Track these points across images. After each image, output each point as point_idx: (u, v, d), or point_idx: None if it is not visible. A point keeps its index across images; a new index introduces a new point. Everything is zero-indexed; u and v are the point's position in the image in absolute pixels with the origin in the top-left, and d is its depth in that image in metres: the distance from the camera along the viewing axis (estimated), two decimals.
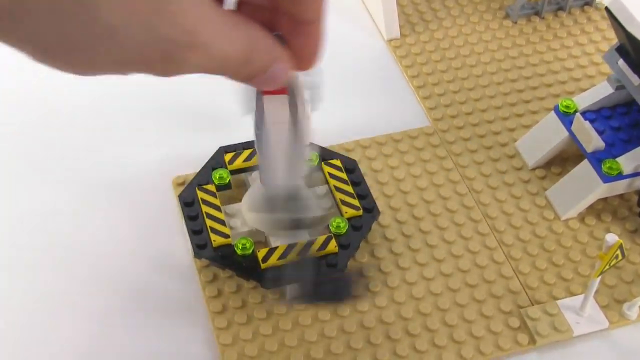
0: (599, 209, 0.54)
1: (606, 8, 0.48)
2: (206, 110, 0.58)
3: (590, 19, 0.66)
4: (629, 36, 0.47)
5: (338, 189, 0.50)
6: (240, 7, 0.35)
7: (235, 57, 0.31)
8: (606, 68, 0.62)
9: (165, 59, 0.29)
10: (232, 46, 0.31)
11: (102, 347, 0.46)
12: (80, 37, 0.27)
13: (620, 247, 0.43)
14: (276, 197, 0.40)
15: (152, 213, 0.52)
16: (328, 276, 0.46)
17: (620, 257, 0.44)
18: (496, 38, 0.64)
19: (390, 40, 0.64)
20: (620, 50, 0.50)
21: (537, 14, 0.66)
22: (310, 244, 0.47)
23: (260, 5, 0.35)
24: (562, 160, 0.56)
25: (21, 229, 0.51)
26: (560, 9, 0.66)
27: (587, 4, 0.67)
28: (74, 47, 0.27)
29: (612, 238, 0.43)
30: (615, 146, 0.52)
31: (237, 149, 0.51)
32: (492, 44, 0.64)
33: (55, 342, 0.46)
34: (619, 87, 0.53)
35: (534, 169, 0.56)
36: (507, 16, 0.66)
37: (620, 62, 0.51)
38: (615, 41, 0.64)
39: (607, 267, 0.44)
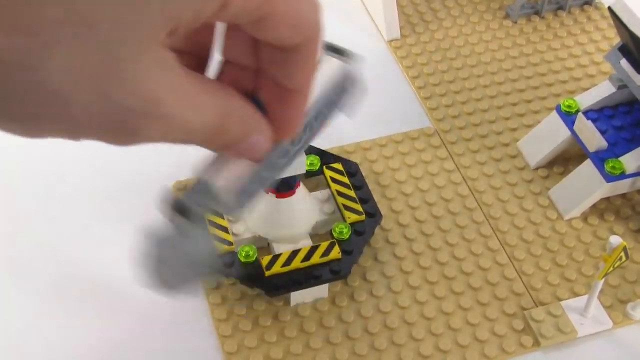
0: (602, 209, 0.53)
1: (609, 8, 0.48)
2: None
3: (590, 18, 0.66)
4: (632, 36, 0.47)
5: (340, 194, 0.50)
6: (224, 68, 0.33)
7: (203, 128, 0.28)
8: (607, 67, 0.62)
9: (120, 129, 0.26)
10: (199, 116, 0.28)
11: (101, 353, 0.46)
12: (24, 102, 0.24)
13: (624, 249, 0.43)
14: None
15: (153, 219, 0.52)
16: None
17: (624, 258, 0.44)
18: (496, 38, 0.64)
19: (390, 41, 0.64)
20: (623, 50, 0.50)
21: (537, 13, 0.66)
22: (313, 249, 0.47)
23: (244, 66, 0.32)
24: (565, 160, 0.56)
25: (20, 234, 0.51)
26: (560, 8, 0.66)
27: (586, 3, 0.66)
28: (18, 113, 0.25)
29: (615, 240, 0.43)
30: (618, 145, 0.52)
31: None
32: (492, 43, 0.64)
33: (55, 344, 0.46)
34: (621, 87, 0.53)
35: (536, 169, 0.56)
36: (507, 16, 0.66)
37: (623, 61, 0.51)
38: (615, 40, 0.64)
39: (611, 269, 0.44)
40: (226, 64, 0.33)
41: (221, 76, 0.34)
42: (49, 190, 0.53)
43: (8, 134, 0.26)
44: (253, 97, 0.34)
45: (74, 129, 0.26)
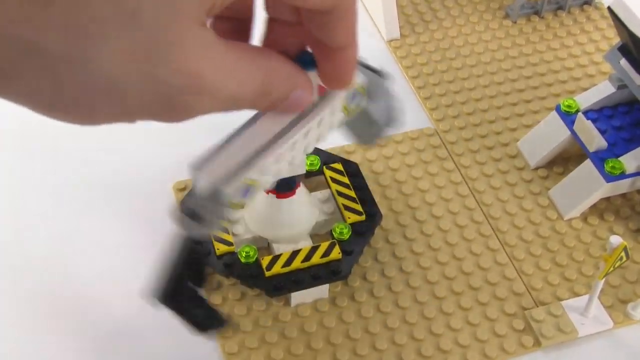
0: (602, 209, 0.53)
1: (609, 8, 0.48)
2: (207, 115, 0.57)
3: (590, 18, 0.66)
4: (632, 35, 0.47)
5: (340, 194, 0.50)
6: (270, 25, 0.35)
7: (248, 95, 0.30)
8: (606, 67, 0.62)
9: (171, 107, 0.28)
10: (242, 87, 0.30)
11: (102, 353, 0.46)
12: (78, 92, 0.26)
13: (625, 249, 0.43)
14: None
15: (153, 219, 0.52)
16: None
17: (624, 258, 0.44)
18: (496, 38, 0.64)
19: (390, 41, 0.64)
20: (623, 50, 0.50)
21: (536, 13, 0.66)
22: (314, 250, 0.47)
23: (290, 23, 0.34)
24: (564, 160, 0.56)
25: (20, 232, 0.51)
26: (560, 8, 0.66)
27: (586, 3, 0.66)
28: (73, 102, 0.27)
29: (616, 240, 0.43)
30: (618, 145, 0.52)
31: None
32: (492, 43, 0.64)
33: (55, 346, 0.46)
34: (621, 87, 0.53)
35: (536, 169, 0.56)
36: (506, 16, 0.66)
37: (623, 61, 0.51)
38: (615, 40, 0.64)
39: (612, 269, 0.44)
40: (272, 21, 0.35)
41: (269, 34, 0.35)
42: (47, 190, 0.53)
43: (65, 122, 0.27)
44: (302, 53, 0.36)
45: (127, 112, 0.28)
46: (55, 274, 0.49)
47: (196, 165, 0.37)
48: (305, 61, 0.38)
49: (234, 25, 0.34)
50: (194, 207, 0.37)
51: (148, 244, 0.50)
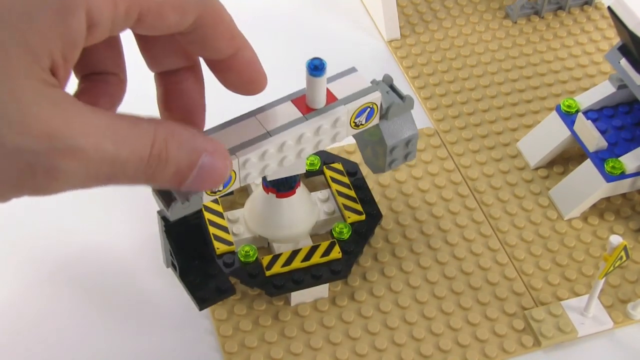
0: (602, 209, 0.53)
1: (609, 7, 0.48)
2: (207, 115, 0.57)
3: (590, 18, 0.66)
4: (632, 35, 0.47)
5: (340, 194, 0.50)
6: (165, 81, 0.35)
7: (132, 161, 0.27)
8: (606, 67, 0.62)
9: (32, 175, 0.25)
10: (122, 148, 0.27)
11: (103, 353, 0.46)
12: None
13: (625, 248, 0.43)
14: None
15: (153, 219, 0.52)
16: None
17: (624, 258, 0.44)
18: (496, 38, 0.64)
19: (390, 41, 0.64)
20: (623, 50, 0.50)
21: (536, 13, 0.66)
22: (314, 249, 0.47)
23: (183, 66, 0.35)
24: (565, 160, 0.56)
25: (20, 229, 0.51)
26: (560, 8, 0.66)
27: (586, 3, 0.66)
28: None
29: (616, 240, 0.43)
30: (618, 145, 0.52)
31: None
32: (492, 44, 0.64)
33: (56, 346, 0.46)
34: (621, 86, 0.53)
35: (536, 169, 0.56)
36: (506, 16, 0.66)
37: (623, 61, 0.51)
38: (615, 40, 0.64)
39: (612, 268, 0.44)
40: (164, 75, 0.35)
41: (169, 86, 0.35)
42: None
43: None
44: (312, 59, 0.38)
45: None
46: (56, 273, 0.49)
47: None
48: (312, 66, 0.39)
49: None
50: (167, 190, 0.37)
51: (149, 243, 0.50)
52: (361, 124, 0.43)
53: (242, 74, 0.35)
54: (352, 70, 0.44)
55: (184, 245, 0.41)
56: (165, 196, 0.37)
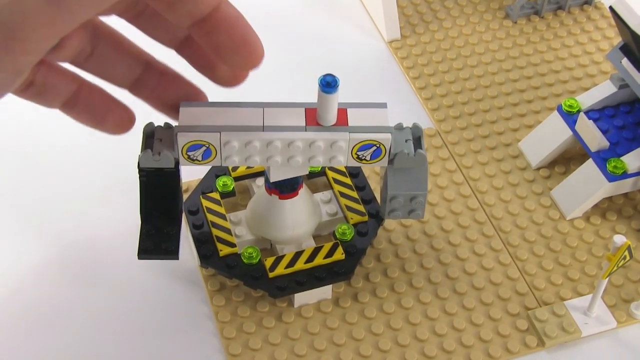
0: (604, 208, 0.53)
1: (610, 7, 0.48)
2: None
3: (590, 17, 0.66)
4: (634, 35, 0.47)
5: (343, 195, 0.50)
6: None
7: None
8: (607, 67, 0.62)
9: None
10: None
11: (106, 355, 0.46)
12: None
13: (628, 248, 0.43)
14: None
15: None
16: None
17: (628, 257, 0.44)
18: (497, 38, 0.64)
19: (391, 42, 0.64)
20: (624, 49, 0.50)
21: (536, 13, 0.66)
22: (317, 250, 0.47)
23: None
24: (566, 160, 0.56)
25: (23, 231, 0.50)
26: (560, 8, 0.66)
27: (586, 2, 0.66)
28: None
29: (620, 239, 0.43)
30: (620, 145, 0.52)
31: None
32: (492, 44, 0.64)
33: (58, 348, 0.46)
34: (623, 86, 0.53)
35: (538, 169, 0.56)
36: (506, 16, 0.66)
37: (624, 61, 0.51)
38: (615, 40, 0.64)
39: (615, 268, 0.44)
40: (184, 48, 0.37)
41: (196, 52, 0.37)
42: (51, 193, 0.53)
43: None
44: (325, 75, 0.39)
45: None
46: (59, 275, 0.49)
47: (185, 104, 0.40)
48: (324, 83, 0.39)
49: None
50: (156, 136, 0.40)
51: None
52: (365, 159, 0.42)
53: (231, 30, 0.33)
54: (382, 105, 0.42)
55: (154, 197, 0.42)
56: (147, 142, 0.40)
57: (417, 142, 0.42)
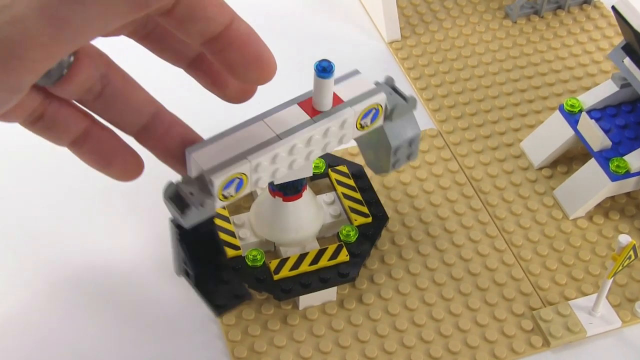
0: (607, 207, 0.53)
1: (613, 7, 0.48)
2: (210, 119, 0.57)
3: (589, 17, 0.66)
4: (636, 34, 0.47)
5: (346, 196, 0.50)
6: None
7: None
8: (607, 66, 0.62)
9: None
10: None
11: (110, 358, 0.46)
12: None
13: (634, 247, 0.43)
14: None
15: (158, 223, 0.51)
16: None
17: (633, 257, 0.44)
18: (497, 38, 0.64)
19: (391, 43, 0.63)
20: (627, 49, 0.50)
21: (536, 13, 0.66)
22: (321, 252, 0.47)
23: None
24: (568, 160, 0.56)
25: (26, 234, 0.50)
26: (559, 7, 0.66)
27: (585, 2, 0.66)
28: None
29: (625, 239, 0.43)
30: (622, 144, 0.52)
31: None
32: (493, 44, 0.64)
33: (62, 349, 0.46)
34: (624, 85, 0.53)
35: (540, 169, 0.56)
36: (506, 16, 0.66)
37: (627, 60, 0.51)
38: (615, 39, 0.64)
39: (621, 267, 0.44)
40: (193, 67, 0.37)
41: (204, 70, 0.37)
42: (53, 195, 0.53)
43: None
44: (320, 61, 0.38)
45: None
46: (61, 278, 0.49)
47: (192, 150, 0.38)
48: (320, 68, 0.39)
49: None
50: (182, 193, 0.38)
51: (155, 248, 0.50)
52: (366, 126, 0.43)
53: (244, 47, 0.33)
54: (356, 72, 0.43)
55: (196, 253, 0.41)
56: (179, 203, 0.37)
57: (396, 91, 0.43)
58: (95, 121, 0.37)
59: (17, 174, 0.54)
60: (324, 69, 0.39)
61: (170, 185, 0.38)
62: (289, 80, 0.61)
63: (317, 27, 0.65)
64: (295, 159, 0.40)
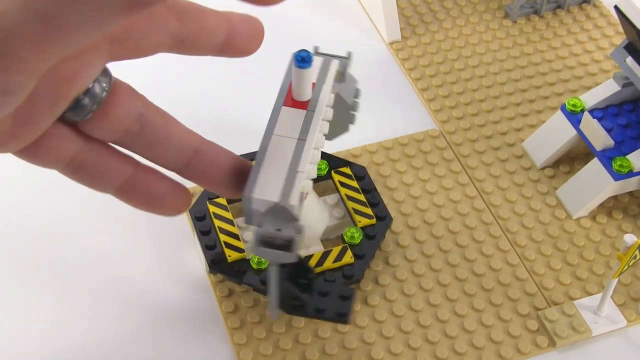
0: (610, 207, 0.53)
1: (616, 7, 0.48)
2: (212, 121, 0.57)
3: (589, 16, 0.66)
4: (639, 34, 0.47)
5: (350, 198, 0.50)
6: None
7: None
8: (607, 65, 0.62)
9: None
10: None
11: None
12: None
13: (639, 247, 0.43)
14: (255, 212, 0.37)
15: (162, 227, 0.51)
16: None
17: (638, 256, 0.44)
18: (497, 38, 0.64)
19: (391, 43, 0.63)
20: (629, 48, 0.50)
21: (536, 12, 0.66)
22: (326, 255, 0.46)
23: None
24: (570, 159, 0.56)
25: (33, 246, 0.50)
26: (559, 7, 0.66)
27: (585, 1, 0.66)
28: None
29: (630, 238, 0.43)
30: (625, 143, 0.52)
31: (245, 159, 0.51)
32: (493, 44, 0.63)
33: (67, 353, 0.45)
34: (626, 85, 0.53)
35: (542, 169, 0.55)
36: (506, 15, 0.66)
37: (629, 59, 0.51)
38: (615, 38, 0.64)
39: (626, 267, 0.44)
40: None
41: None
42: (58, 200, 0.53)
43: None
44: (299, 51, 0.38)
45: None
46: (69, 284, 0.48)
47: (247, 194, 0.37)
48: (299, 58, 0.39)
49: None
50: (267, 237, 0.36)
51: (159, 252, 0.50)
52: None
53: None
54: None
55: (296, 282, 0.41)
56: (277, 245, 0.36)
57: (330, 55, 0.44)
58: (140, 165, 0.35)
59: (17, 174, 0.54)
60: (302, 59, 0.39)
61: (252, 240, 0.37)
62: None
63: (317, 28, 0.65)
64: (314, 153, 0.40)
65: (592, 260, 0.51)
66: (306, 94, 0.40)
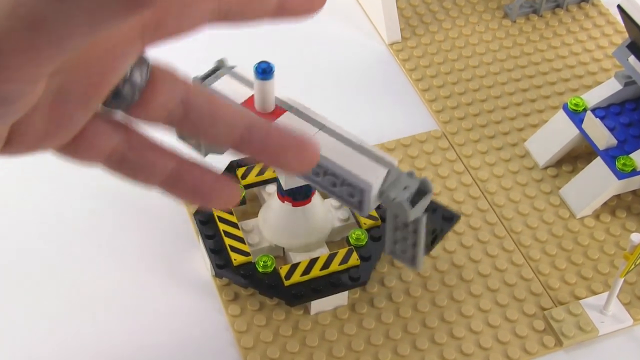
0: (613, 206, 0.54)
1: (618, 6, 0.48)
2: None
3: (588, 15, 0.66)
4: None
5: None
6: None
7: None
8: (607, 64, 0.62)
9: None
10: None
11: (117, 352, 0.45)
12: None
13: None
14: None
15: (167, 231, 0.51)
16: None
17: None
18: (497, 38, 0.64)
19: (391, 44, 0.63)
20: (632, 47, 0.50)
21: (535, 12, 0.66)
22: (332, 257, 0.46)
23: None
24: (573, 159, 0.56)
25: (35, 252, 0.50)
26: (558, 6, 0.66)
27: (583, 0, 0.67)
28: None
29: (637, 237, 0.43)
30: (628, 142, 0.52)
31: (249, 162, 0.50)
32: (493, 44, 0.63)
33: (68, 345, 0.45)
34: (628, 83, 0.53)
35: (545, 168, 0.55)
36: (505, 15, 0.66)
37: (631, 58, 0.51)
38: (614, 37, 0.64)
39: (633, 266, 0.44)
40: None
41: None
42: (64, 205, 0.52)
43: None
44: (260, 62, 0.38)
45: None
46: (73, 287, 0.48)
47: (366, 185, 0.38)
48: (260, 70, 0.39)
49: None
50: (401, 197, 0.39)
51: (164, 256, 0.49)
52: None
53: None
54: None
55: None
56: (415, 198, 0.39)
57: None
58: (184, 159, 0.34)
59: (17, 174, 0.53)
60: (264, 71, 0.39)
61: (404, 209, 0.39)
62: (291, 83, 0.60)
63: (317, 30, 0.65)
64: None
65: (596, 259, 0.51)
66: (270, 105, 0.40)
